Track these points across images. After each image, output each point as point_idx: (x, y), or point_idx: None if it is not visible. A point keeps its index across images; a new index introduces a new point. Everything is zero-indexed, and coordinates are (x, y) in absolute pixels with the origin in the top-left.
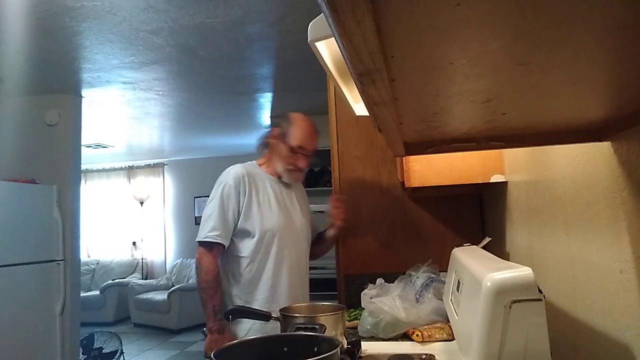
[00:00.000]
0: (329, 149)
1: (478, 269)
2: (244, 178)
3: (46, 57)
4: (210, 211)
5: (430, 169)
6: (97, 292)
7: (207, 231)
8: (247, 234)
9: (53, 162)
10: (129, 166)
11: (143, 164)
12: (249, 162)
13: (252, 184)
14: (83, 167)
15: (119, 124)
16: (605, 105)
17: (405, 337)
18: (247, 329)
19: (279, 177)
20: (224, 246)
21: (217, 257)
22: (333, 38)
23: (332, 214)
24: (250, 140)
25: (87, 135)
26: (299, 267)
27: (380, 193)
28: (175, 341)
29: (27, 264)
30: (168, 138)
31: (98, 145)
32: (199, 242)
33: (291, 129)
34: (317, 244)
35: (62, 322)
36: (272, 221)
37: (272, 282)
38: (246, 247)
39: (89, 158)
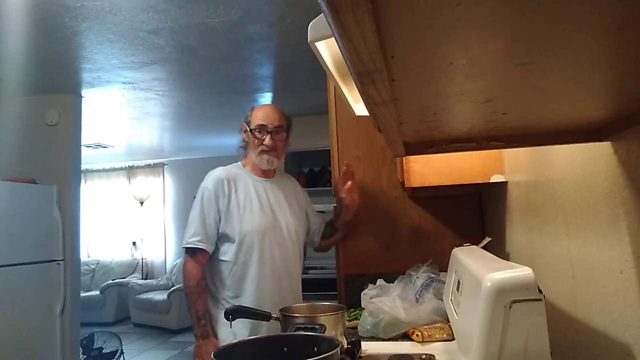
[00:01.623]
0: (329, 149)
1: (478, 269)
2: (223, 182)
3: (46, 57)
4: (192, 217)
5: (430, 169)
6: (97, 292)
7: (189, 237)
8: (228, 237)
9: (53, 162)
10: (129, 166)
11: (143, 164)
12: (234, 163)
13: (232, 187)
14: (83, 167)
15: (119, 124)
16: (605, 105)
17: (405, 337)
18: (234, 333)
19: (264, 175)
20: (209, 252)
21: (201, 263)
22: (333, 38)
23: (345, 196)
24: None
25: (87, 135)
26: (286, 268)
27: (380, 193)
28: (175, 341)
29: (27, 264)
30: (168, 138)
31: (98, 145)
32: (184, 248)
33: (251, 116)
34: (331, 234)
35: (62, 322)
36: (252, 223)
37: (257, 285)
38: (228, 251)
39: (89, 158)
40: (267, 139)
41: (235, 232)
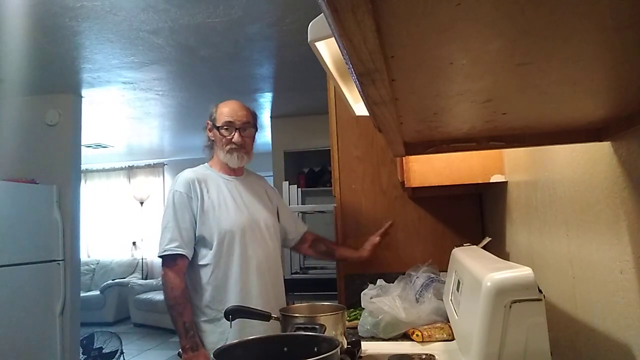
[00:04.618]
0: (329, 149)
1: (478, 269)
2: (194, 183)
3: (46, 57)
4: (165, 223)
5: (430, 169)
6: (97, 292)
7: (166, 244)
8: (205, 240)
9: (53, 162)
10: (129, 166)
11: (143, 164)
12: (201, 165)
13: (203, 188)
14: (83, 167)
15: (119, 124)
16: (605, 105)
17: (405, 337)
18: (217, 341)
19: (234, 174)
20: (189, 258)
21: (182, 271)
22: (333, 38)
23: (369, 249)
24: None
25: (87, 135)
26: (268, 266)
27: (380, 193)
28: (175, 341)
29: (27, 264)
30: (168, 138)
31: (98, 145)
32: (160, 257)
33: (217, 113)
34: (324, 253)
35: (62, 322)
36: (230, 222)
37: (241, 285)
38: (207, 254)
39: (89, 158)
40: (236, 136)
41: (214, 233)
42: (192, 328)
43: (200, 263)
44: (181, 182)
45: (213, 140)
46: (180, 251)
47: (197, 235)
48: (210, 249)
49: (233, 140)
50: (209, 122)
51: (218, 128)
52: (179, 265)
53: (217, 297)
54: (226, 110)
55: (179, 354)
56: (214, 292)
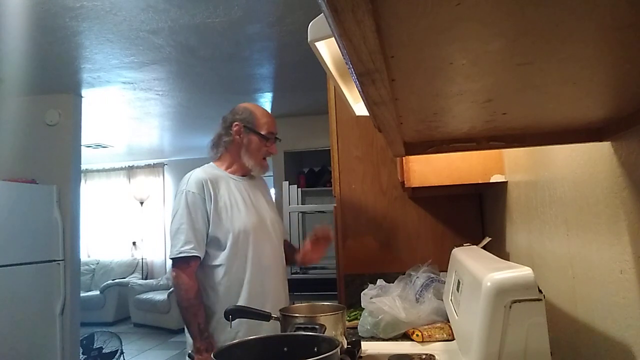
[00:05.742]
0: (329, 149)
1: (478, 269)
2: (206, 183)
3: (46, 57)
4: (178, 224)
5: (430, 169)
6: (97, 292)
7: (180, 246)
8: (219, 241)
9: (53, 162)
10: (129, 166)
11: (143, 164)
12: (206, 165)
13: (215, 188)
14: (83, 167)
15: (119, 124)
16: (605, 105)
17: (405, 337)
18: (231, 339)
19: (243, 175)
20: (201, 258)
21: (194, 272)
22: (333, 38)
23: (310, 248)
24: None
25: (87, 135)
26: (276, 265)
27: (380, 193)
28: (175, 341)
29: (27, 264)
30: (168, 138)
31: (98, 145)
32: (173, 259)
33: (256, 119)
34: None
35: (62, 322)
36: (243, 222)
37: (252, 285)
38: (220, 255)
39: (89, 158)
40: (274, 148)
41: (228, 234)
42: (207, 329)
43: (213, 263)
44: (193, 182)
45: (232, 142)
46: (195, 253)
47: (210, 235)
48: (223, 250)
49: (272, 151)
50: (241, 123)
51: (261, 136)
52: (191, 267)
53: (228, 298)
54: (269, 121)
55: (189, 356)
56: (225, 293)
